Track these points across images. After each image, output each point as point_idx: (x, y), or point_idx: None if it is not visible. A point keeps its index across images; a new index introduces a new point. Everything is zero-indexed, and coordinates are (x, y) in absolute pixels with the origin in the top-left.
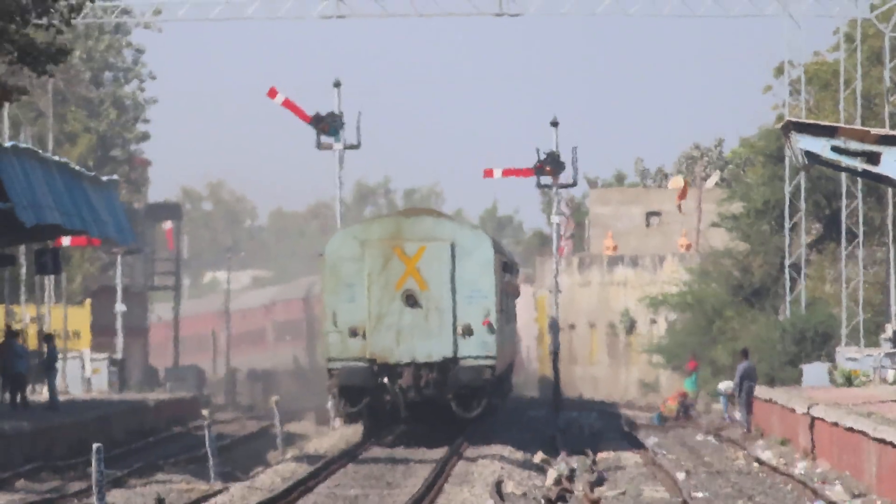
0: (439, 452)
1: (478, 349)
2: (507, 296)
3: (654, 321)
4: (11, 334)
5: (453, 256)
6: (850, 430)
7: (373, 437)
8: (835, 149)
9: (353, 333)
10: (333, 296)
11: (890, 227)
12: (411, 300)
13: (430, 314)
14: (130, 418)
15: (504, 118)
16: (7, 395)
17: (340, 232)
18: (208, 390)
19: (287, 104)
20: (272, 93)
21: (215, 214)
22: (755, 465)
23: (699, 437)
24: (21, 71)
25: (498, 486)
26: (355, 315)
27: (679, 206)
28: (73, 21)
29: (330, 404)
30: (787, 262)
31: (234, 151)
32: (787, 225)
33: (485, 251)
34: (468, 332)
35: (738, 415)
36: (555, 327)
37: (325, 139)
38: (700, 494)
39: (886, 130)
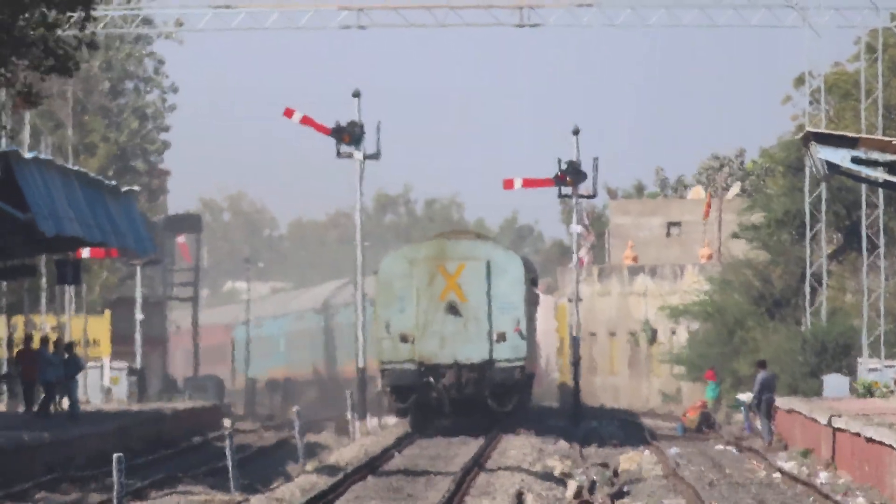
0: (465, 458)
1: (510, 353)
2: (532, 307)
3: (674, 332)
4: (42, 342)
5: (489, 273)
6: (872, 441)
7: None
8: (855, 159)
9: (403, 339)
10: (386, 307)
11: None
12: (453, 310)
13: (469, 323)
14: (150, 428)
15: (524, 128)
16: (30, 403)
17: (392, 253)
18: (227, 400)
19: (305, 121)
20: (288, 113)
21: (235, 225)
22: (777, 476)
23: (720, 448)
24: (41, 80)
25: (519, 498)
26: (405, 323)
27: (703, 220)
28: (91, 23)
29: (349, 415)
30: (807, 273)
31: (254, 161)
32: (807, 235)
33: (516, 269)
34: (502, 338)
35: (759, 425)
36: (575, 338)
37: (345, 148)
38: None
39: None
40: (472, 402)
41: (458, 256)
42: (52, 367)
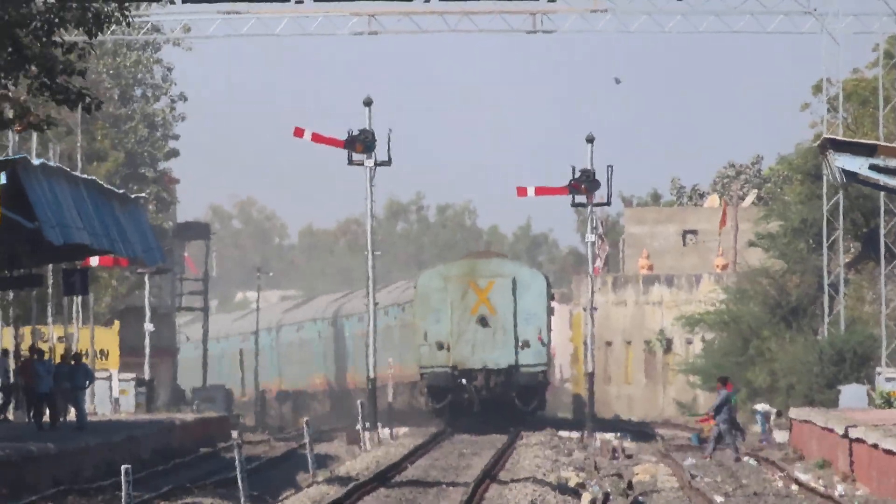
0: (477, 470)
1: (533, 358)
2: (550, 319)
3: (689, 341)
4: (40, 353)
5: (515, 288)
6: (890, 452)
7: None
8: (873, 167)
9: (440, 346)
10: (424, 319)
11: None
12: (483, 321)
13: (498, 332)
14: (158, 439)
15: (538, 135)
16: (31, 415)
17: (429, 270)
18: (237, 411)
19: (316, 138)
20: (298, 132)
21: (245, 233)
22: (794, 487)
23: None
24: (48, 101)
25: None
26: (441, 332)
27: (719, 231)
28: (98, 35)
29: (358, 426)
30: (825, 282)
31: (264, 169)
32: (825, 244)
33: (539, 285)
34: (526, 345)
35: (776, 438)
36: (587, 344)
37: (357, 157)
38: None
39: None
40: (499, 401)
41: (488, 274)
42: (42, 379)
